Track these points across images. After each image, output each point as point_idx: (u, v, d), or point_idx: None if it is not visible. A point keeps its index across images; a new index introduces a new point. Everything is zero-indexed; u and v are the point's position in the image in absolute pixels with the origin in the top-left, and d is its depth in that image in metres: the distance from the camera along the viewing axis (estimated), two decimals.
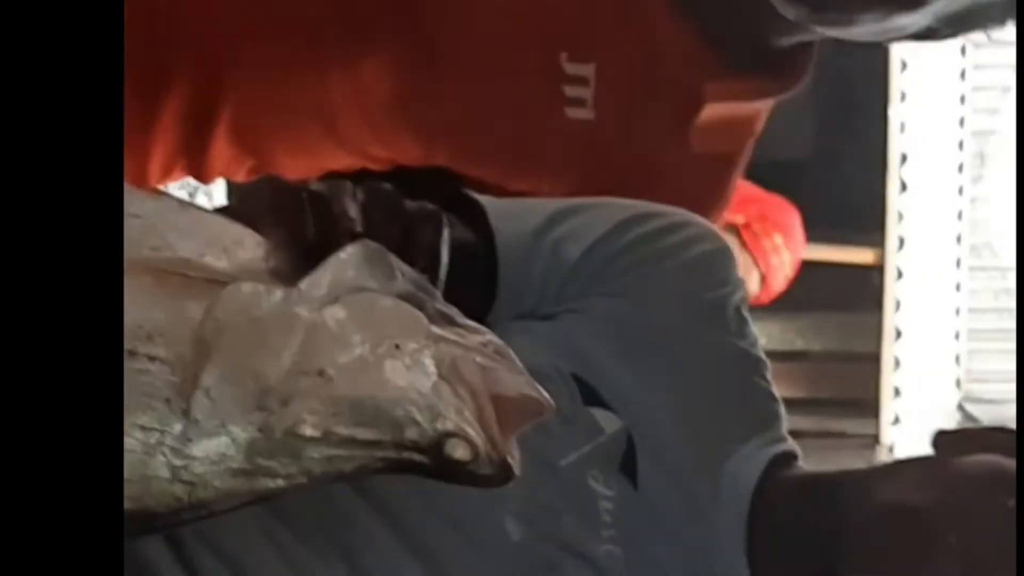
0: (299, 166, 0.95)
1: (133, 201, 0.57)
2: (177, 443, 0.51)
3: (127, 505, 0.50)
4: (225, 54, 0.90)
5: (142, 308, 0.53)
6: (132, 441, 0.50)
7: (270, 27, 0.89)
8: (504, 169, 0.90)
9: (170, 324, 0.53)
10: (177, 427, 0.51)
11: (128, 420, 0.50)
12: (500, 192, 0.82)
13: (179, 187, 1.23)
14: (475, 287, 0.69)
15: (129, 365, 0.51)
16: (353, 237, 0.55)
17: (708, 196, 0.92)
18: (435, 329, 0.52)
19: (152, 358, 0.52)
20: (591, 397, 0.72)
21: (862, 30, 0.85)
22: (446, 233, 0.64)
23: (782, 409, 0.79)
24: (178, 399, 0.51)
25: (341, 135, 0.91)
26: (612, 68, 0.89)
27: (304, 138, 0.92)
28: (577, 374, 0.72)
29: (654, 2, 0.90)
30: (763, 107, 0.95)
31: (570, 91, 0.89)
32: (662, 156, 0.91)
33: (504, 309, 0.72)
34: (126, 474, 0.50)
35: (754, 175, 1.49)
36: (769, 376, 0.78)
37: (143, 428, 0.50)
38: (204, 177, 0.96)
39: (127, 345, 0.52)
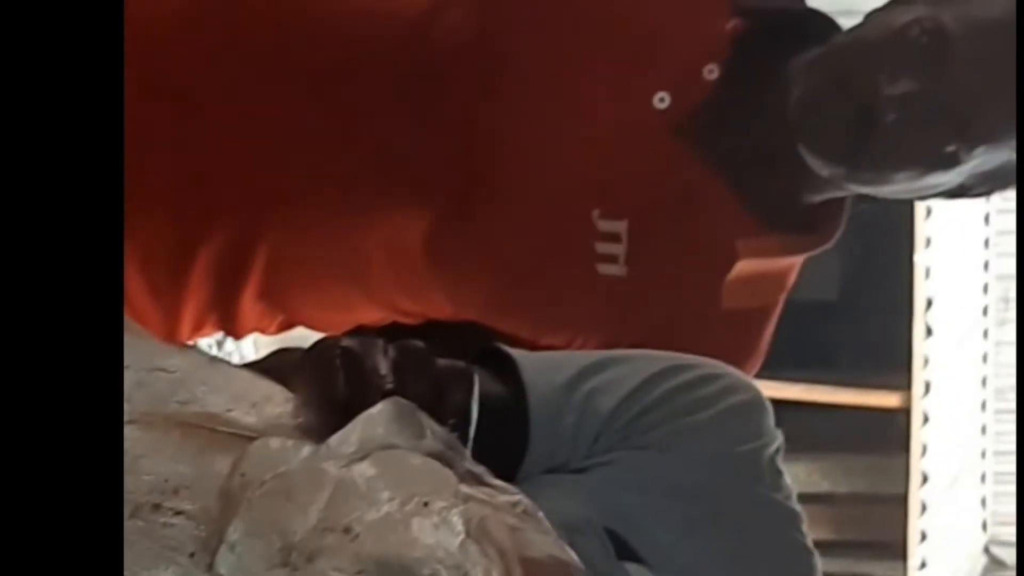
0: (330, 321, 0.95)
1: (163, 356, 0.57)
2: None
3: None
4: (258, 212, 0.91)
5: (169, 462, 0.52)
6: None
7: (304, 184, 0.90)
8: (535, 325, 0.89)
9: (196, 478, 0.52)
10: None
11: (152, 574, 0.49)
12: (531, 346, 0.81)
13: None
14: (507, 440, 0.68)
15: (154, 519, 0.51)
16: (384, 394, 0.54)
17: (741, 351, 0.91)
18: (464, 488, 0.51)
19: (177, 512, 0.51)
20: (624, 551, 0.70)
21: (895, 188, 0.85)
22: (476, 392, 0.63)
23: (818, 562, 0.77)
24: (203, 553, 0.50)
25: (372, 290, 0.91)
26: (644, 225, 0.89)
27: (335, 293, 0.92)
28: (610, 528, 0.70)
29: (687, 159, 0.90)
30: (796, 262, 0.95)
31: (602, 248, 0.89)
32: (694, 312, 0.91)
33: (536, 462, 0.71)
34: None
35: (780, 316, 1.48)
36: (805, 529, 0.77)
37: None
38: (236, 332, 0.96)
39: (153, 499, 0.51)
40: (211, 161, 0.90)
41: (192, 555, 0.50)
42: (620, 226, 0.88)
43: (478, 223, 0.89)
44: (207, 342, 1.56)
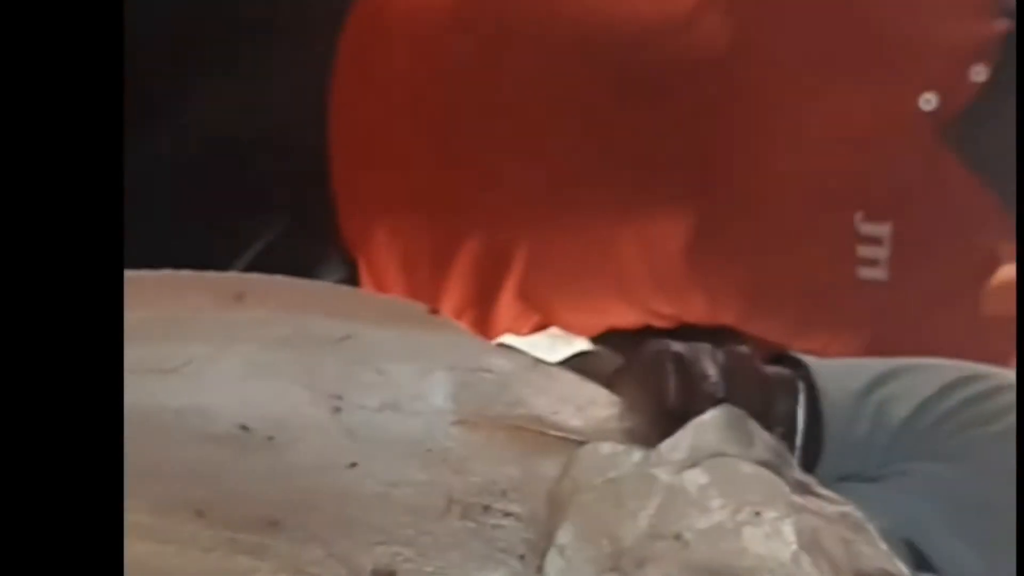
0: (584, 323, 0.98)
1: (486, 356, 0.60)
2: None
3: None
4: (518, 213, 0.94)
5: (496, 464, 0.55)
6: None
7: (562, 186, 0.93)
8: (791, 329, 0.90)
9: (524, 480, 0.55)
10: None
11: (480, 574, 0.52)
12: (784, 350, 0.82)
13: None
14: (801, 448, 0.68)
15: (484, 520, 0.53)
16: (713, 401, 0.55)
17: (999, 360, 0.89)
18: (796, 498, 0.51)
19: (507, 514, 0.54)
20: (922, 563, 0.70)
21: None
22: (802, 399, 0.64)
23: None
24: (532, 555, 0.52)
25: (628, 292, 0.94)
26: (907, 228, 0.89)
27: (591, 295, 0.95)
28: (907, 539, 0.70)
29: (950, 162, 0.89)
30: None
31: (864, 251, 0.88)
32: (955, 319, 0.89)
33: (828, 470, 0.71)
34: None
35: None
36: None
37: None
38: (488, 332, 1.00)
39: (482, 500, 0.54)
40: (471, 164, 0.94)
41: (522, 557, 0.52)
42: (883, 229, 0.88)
43: (738, 225, 0.89)
44: None
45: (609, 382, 0.58)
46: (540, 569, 0.52)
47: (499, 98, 0.93)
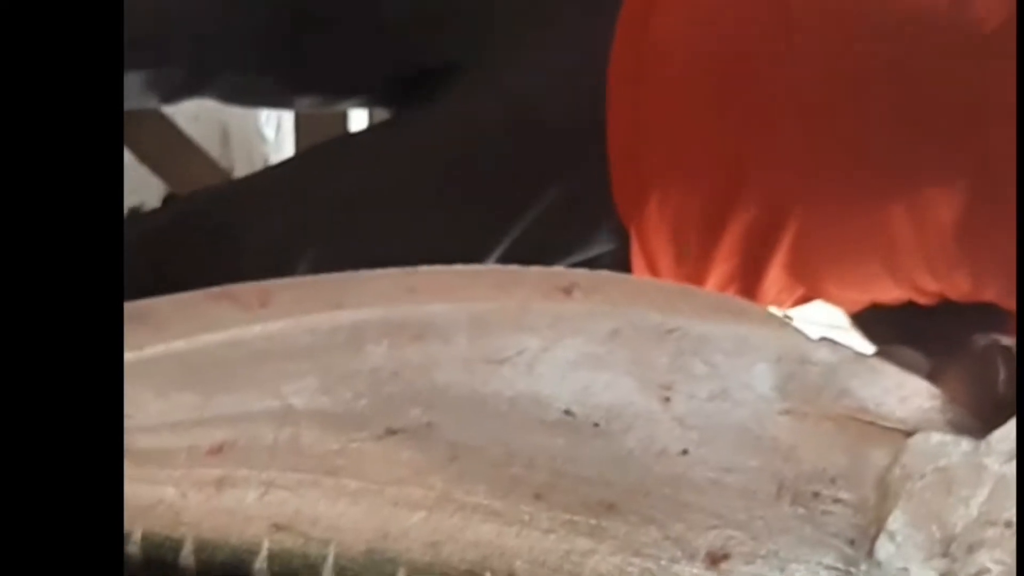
0: (847, 298, 1.01)
1: (811, 349, 0.65)
2: None
3: None
4: (791, 185, 0.98)
5: (824, 452, 0.61)
6: None
7: (838, 162, 0.96)
8: None
9: (852, 468, 0.60)
10: (862, 567, 0.57)
11: (813, 559, 0.58)
12: None
13: None
14: None
15: (814, 506, 0.59)
16: None
17: None
18: None
19: (836, 500, 0.59)
20: None
21: None
22: None
23: None
24: (862, 541, 0.58)
25: (895, 268, 0.96)
26: None
27: (859, 270, 0.98)
28: None
29: None
30: None
31: None
32: None
33: None
34: None
35: None
36: None
37: (828, 567, 0.58)
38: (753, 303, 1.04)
39: (812, 487, 0.60)
40: (748, 133, 0.99)
41: (852, 542, 0.58)
42: None
43: (1009, 199, 0.91)
44: None
45: (931, 375, 0.63)
46: (870, 554, 0.58)
47: (777, 68, 0.98)
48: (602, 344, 0.65)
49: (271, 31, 1.23)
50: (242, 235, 1.09)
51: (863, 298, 1.01)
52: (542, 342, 0.65)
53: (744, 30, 1.01)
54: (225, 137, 2.12)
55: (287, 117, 2.18)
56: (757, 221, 1.00)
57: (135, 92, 1.29)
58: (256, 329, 0.67)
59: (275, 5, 1.22)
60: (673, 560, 0.59)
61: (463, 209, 1.07)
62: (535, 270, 0.68)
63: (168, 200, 1.93)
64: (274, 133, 2.23)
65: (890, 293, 1.00)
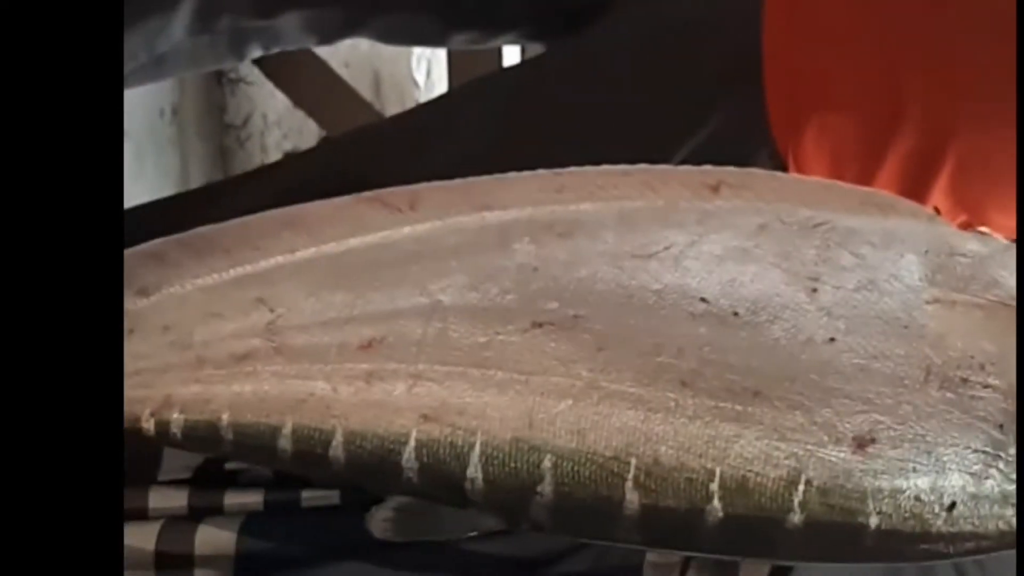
0: (1006, 225, 1.03)
1: (960, 241, 0.69)
2: (1007, 468, 0.61)
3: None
4: (954, 111, 1.00)
5: (973, 340, 0.65)
6: (966, 463, 0.62)
7: (1002, 86, 0.98)
8: None
9: (1001, 356, 0.64)
10: (1010, 452, 0.61)
11: (961, 443, 0.62)
12: None
13: None
14: None
15: (962, 391, 0.63)
16: None
17: None
18: None
19: (985, 386, 0.63)
20: None
21: None
22: None
23: None
24: (1010, 425, 0.62)
25: None
26: None
27: None
28: None
29: None
30: None
31: None
32: None
33: None
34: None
35: None
36: None
37: (976, 451, 0.62)
38: None
39: (960, 373, 0.64)
40: (910, 58, 1.01)
41: (1000, 426, 0.62)
42: None
43: None
44: None
45: None
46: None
47: None
48: (749, 238, 0.69)
49: None
50: (392, 171, 1.16)
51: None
52: (689, 237, 0.69)
53: None
54: (376, 83, 2.21)
55: (437, 62, 2.26)
56: (918, 147, 1.02)
57: (294, 33, 1.38)
58: (405, 231, 0.73)
59: None
60: (819, 444, 0.63)
61: (625, 137, 1.12)
62: (683, 168, 0.73)
63: (323, 141, 2.02)
64: (424, 78, 2.31)
65: None
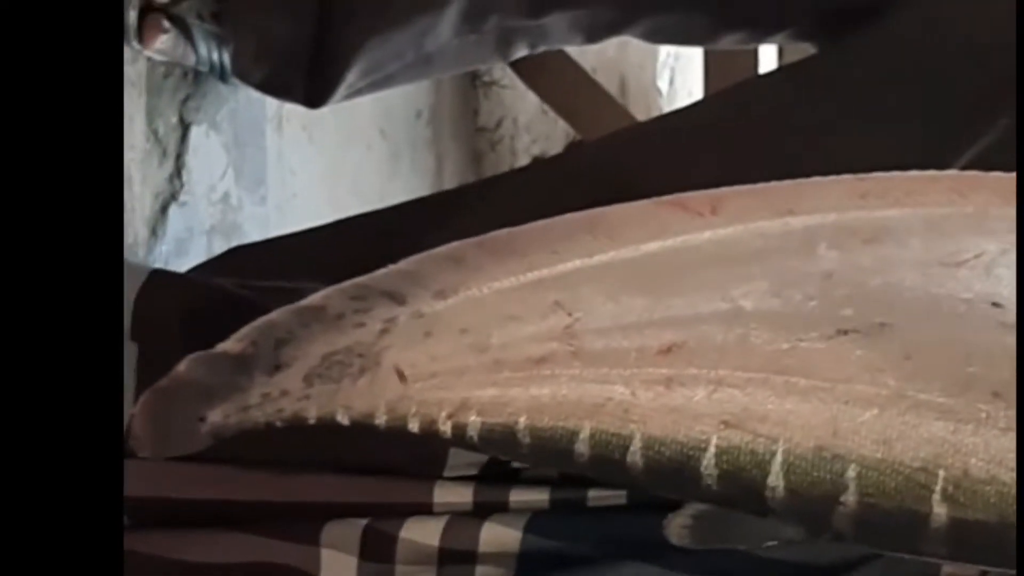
0: None
1: None
2: None
3: None
4: None
5: None
6: None
7: None
8: None
9: None
10: None
11: None
12: None
13: None
14: None
15: None
16: None
17: None
18: None
19: None
20: None
21: None
22: None
23: None
24: None
25: None
26: None
27: None
28: None
29: None
30: None
31: None
32: None
33: None
34: None
35: None
36: None
37: None
38: None
39: None
40: None
41: None
42: None
43: None
44: None
45: None
46: None
47: None
48: None
49: None
50: (647, 177, 1.20)
51: None
52: (1000, 245, 0.72)
53: None
54: (623, 89, 2.26)
55: (680, 69, 2.31)
56: None
57: (561, 32, 1.44)
58: (706, 235, 0.77)
59: None
60: None
61: (907, 141, 1.15)
62: (994, 175, 0.75)
63: (572, 146, 2.08)
64: (667, 86, 2.36)
65: None
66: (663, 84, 2.46)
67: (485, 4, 1.46)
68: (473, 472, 0.91)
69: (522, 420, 0.75)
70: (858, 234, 0.74)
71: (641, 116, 2.26)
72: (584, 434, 0.74)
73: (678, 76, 2.45)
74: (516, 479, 0.91)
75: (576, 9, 1.40)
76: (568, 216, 0.80)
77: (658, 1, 1.39)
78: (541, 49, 1.53)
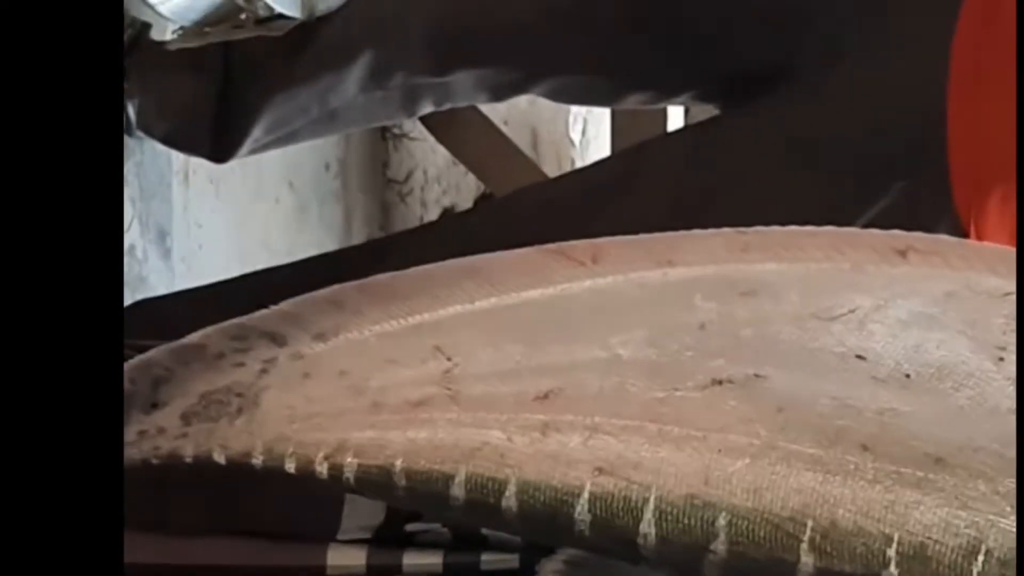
0: None
1: None
2: None
3: None
4: None
5: None
6: None
7: None
8: None
9: None
10: None
11: None
12: None
13: None
14: None
15: None
16: None
17: None
18: None
19: None
20: None
21: None
22: None
23: None
24: None
25: None
26: None
27: None
28: None
29: None
30: None
31: None
32: None
33: None
34: None
35: None
36: None
37: None
38: None
39: None
40: None
41: None
42: None
43: None
44: None
45: None
46: None
47: None
48: (936, 305, 0.72)
49: (608, 31, 1.36)
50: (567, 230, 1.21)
51: None
52: (875, 301, 0.73)
53: None
54: (534, 141, 2.27)
55: (593, 121, 2.33)
56: None
57: (467, 90, 1.45)
58: (587, 283, 0.77)
59: (617, 6, 1.35)
60: (1001, 514, 0.66)
61: (806, 203, 1.16)
62: (870, 232, 0.76)
63: (480, 200, 2.09)
64: (580, 136, 2.38)
65: None
66: (576, 135, 2.48)
67: (391, 61, 1.47)
68: (367, 536, 0.91)
69: (399, 463, 0.75)
70: (736, 287, 0.75)
71: (552, 167, 2.28)
72: (460, 478, 0.74)
73: (591, 127, 2.47)
74: (410, 542, 0.91)
75: (481, 68, 1.42)
76: (450, 262, 0.80)
77: (561, 62, 1.41)
78: (447, 106, 1.54)
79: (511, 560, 0.88)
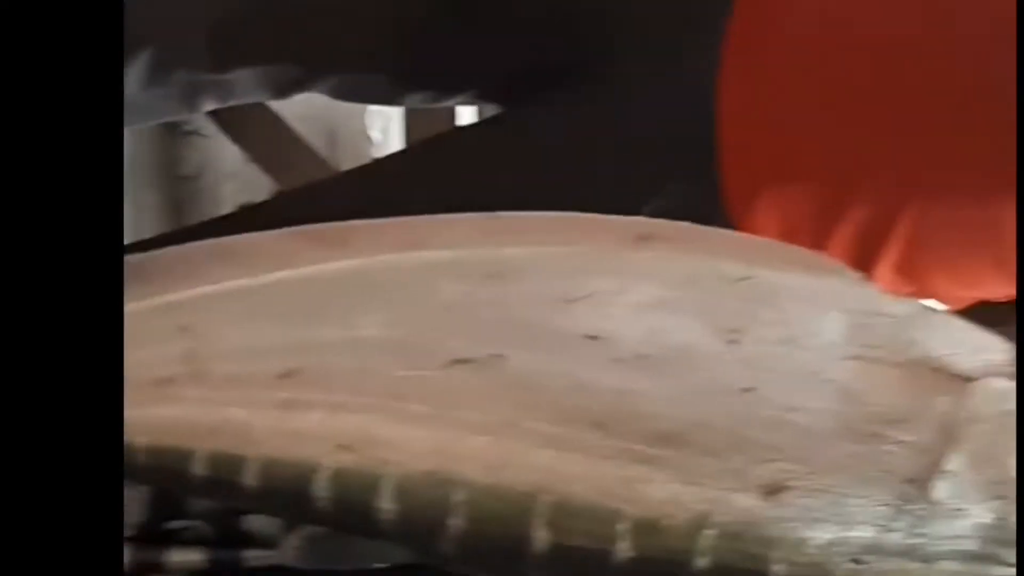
0: (957, 296, 1.09)
1: (885, 304, 0.74)
2: (913, 522, 0.66)
3: None
4: (903, 186, 1.07)
5: (889, 396, 0.69)
6: (872, 515, 0.66)
7: (955, 164, 1.04)
8: None
9: (916, 413, 0.68)
10: (919, 505, 0.66)
11: (870, 495, 0.67)
12: None
13: None
14: None
15: (875, 445, 0.68)
16: None
17: None
18: None
19: (897, 441, 0.68)
20: None
21: None
22: None
23: None
24: (921, 480, 0.66)
25: (1007, 265, 1.04)
26: None
27: (971, 268, 1.06)
28: None
29: None
30: None
31: None
32: None
33: None
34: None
35: None
36: None
37: (884, 503, 0.66)
38: None
39: (873, 428, 0.68)
40: (863, 136, 1.08)
41: (910, 480, 0.66)
42: None
43: None
44: None
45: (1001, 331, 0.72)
46: (928, 493, 0.66)
47: (897, 72, 1.07)
48: (674, 289, 0.74)
49: (384, 29, 1.36)
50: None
51: (971, 296, 1.09)
52: (615, 285, 0.74)
53: (856, 32, 1.10)
54: (332, 138, 2.26)
55: (394, 119, 2.32)
56: (868, 222, 1.08)
57: (248, 87, 1.43)
58: (336, 265, 0.77)
59: (393, 4, 1.35)
60: (729, 490, 0.67)
61: (579, 204, 1.17)
62: (615, 218, 0.77)
63: (275, 196, 2.06)
64: (380, 135, 2.37)
65: (999, 290, 1.08)
66: (374, 132, 2.47)
67: (170, 58, 1.44)
68: (131, 533, 0.89)
69: (143, 440, 0.74)
70: (481, 269, 0.75)
71: (350, 165, 2.25)
72: (201, 454, 0.73)
73: (390, 124, 2.46)
74: (174, 539, 0.90)
75: (261, 65, 1.40)
76: (205, 242, 0.79)
77: (340, 60, 1.40)
78: (230, 103, 1.52)
79: (275, 556, 0.88)
